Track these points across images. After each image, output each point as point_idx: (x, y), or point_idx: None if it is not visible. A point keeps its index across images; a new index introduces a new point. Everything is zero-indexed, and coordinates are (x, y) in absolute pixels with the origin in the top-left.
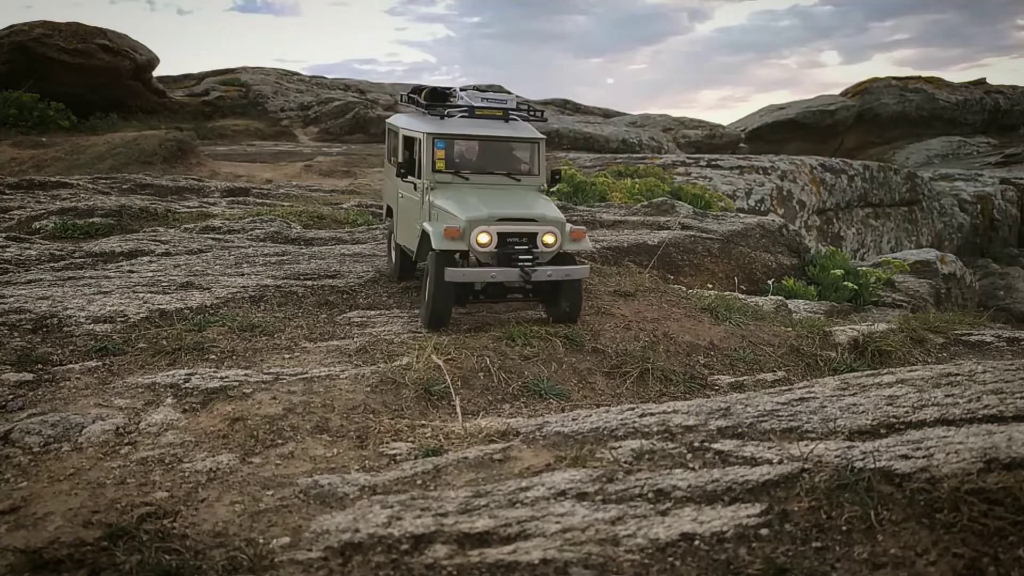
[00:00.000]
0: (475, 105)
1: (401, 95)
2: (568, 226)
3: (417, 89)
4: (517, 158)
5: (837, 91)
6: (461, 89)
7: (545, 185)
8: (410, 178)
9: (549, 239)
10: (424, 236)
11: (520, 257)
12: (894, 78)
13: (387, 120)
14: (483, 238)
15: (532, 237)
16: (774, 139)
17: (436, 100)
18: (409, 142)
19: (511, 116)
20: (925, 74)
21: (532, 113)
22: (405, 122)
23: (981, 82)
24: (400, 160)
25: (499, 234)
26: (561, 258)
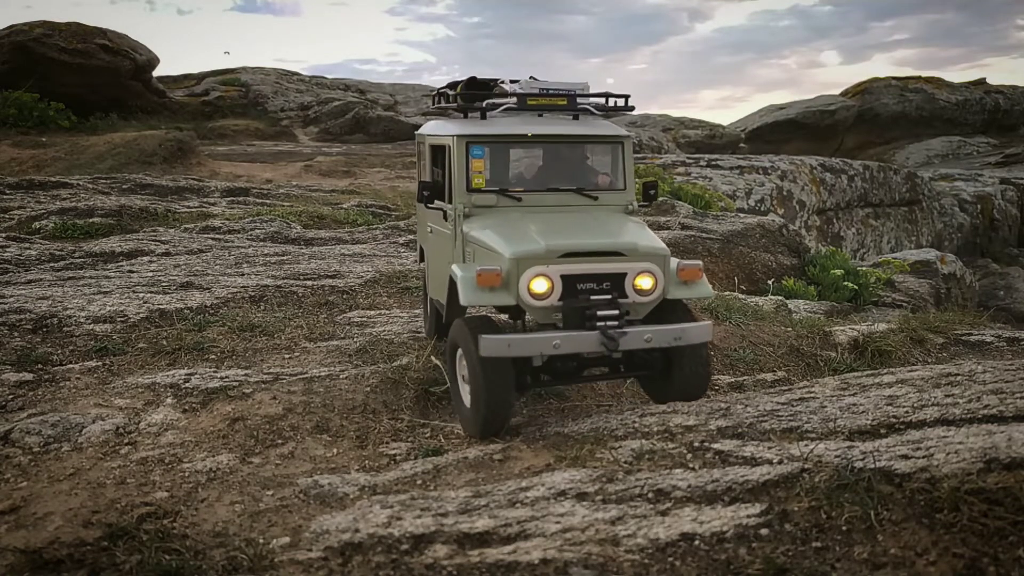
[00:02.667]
0: (527, 93)
1: (434, 95)
2: (674, 261)
3: (452, 85)
4: (591, 167)
5: (837, 91)
6: (512, 81)
7: (635, 204)
8: (437, 203)
9: (644, 282)
10: (452, 286)
11: (600, 313)
12: (894, 78)
13: (417, 132)
14: (540, 285)
15: (619, 280)
16: (774, 139)
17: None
18: (437, 153)
19: (581, 106)
20: (925, 74)
21: (611, 102)
22: (433, 128)
23: (981, 82)
24: (425, 179)
25: (565, 278)
26: (667, 310)
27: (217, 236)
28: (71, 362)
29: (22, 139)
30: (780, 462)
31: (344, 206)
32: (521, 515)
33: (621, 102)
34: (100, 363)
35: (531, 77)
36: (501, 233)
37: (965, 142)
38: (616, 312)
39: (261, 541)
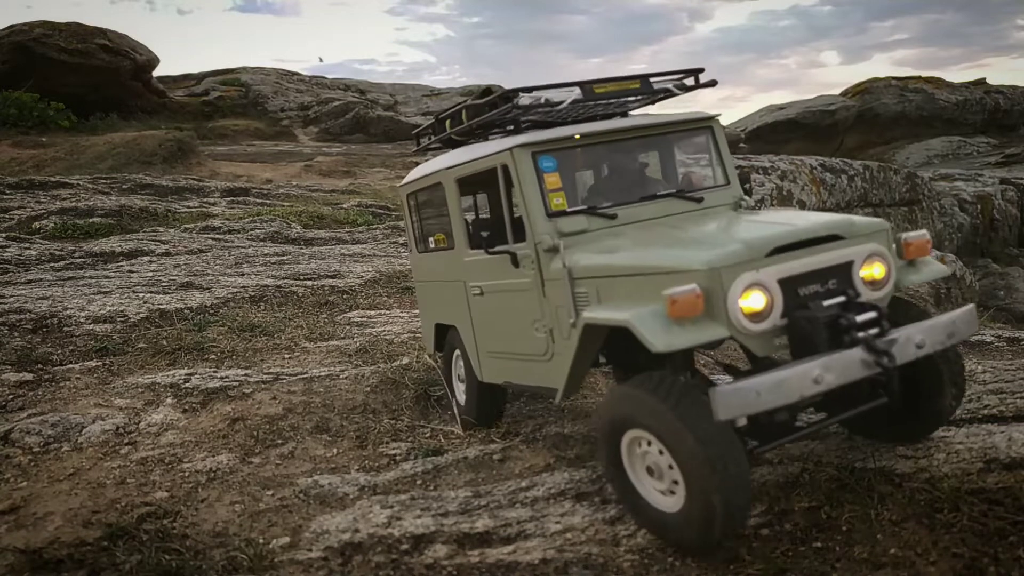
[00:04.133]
0: (591, 81)
1: (433, 124)
2: (900, 236)
3: (440, 121)
4: (679, 164)
5: (837, 91)
6: (523, 91)
7: (748, 199)
8: (501, 247)
9: (876, 269)
10: (588, 333)
11: (859, 320)
12: (894, 78)
13: (401, 185)
14: (756, 300)
15: (845, 272)
16: (774, 139)
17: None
18: (480, 183)
19: (660, 88)
20: (925, 74)
21: (683, 79)
22: (451, 159)
23: (981, 82)
24: (457, 224)
25: (784, 283)
26: (901, 305)
27: (217, 236)
28: (71, 362)
29: (22, 139)
30: (780, 462)
31: (344, 206)
32: (521, 515)
33: (691, 81)
34: (100, 363)
35: (521, 92)
36: (655, 245)
37: (965, 142)
38: (875, 315)
39: (261, 541)
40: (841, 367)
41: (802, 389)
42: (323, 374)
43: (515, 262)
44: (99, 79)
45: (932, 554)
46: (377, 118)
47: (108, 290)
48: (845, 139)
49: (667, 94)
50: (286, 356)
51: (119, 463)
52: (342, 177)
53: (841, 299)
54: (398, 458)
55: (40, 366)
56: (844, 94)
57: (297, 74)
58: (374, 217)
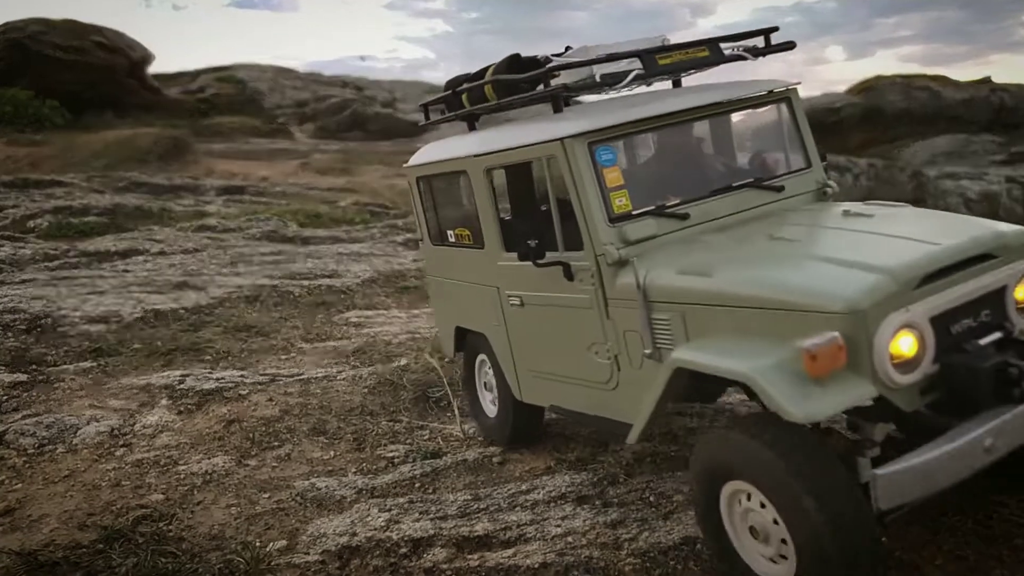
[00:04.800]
0: (652, 50)
1: (428, 106)
2: None
3: (454, 84)
4: (750, 145)
5: (842, 88)
6: (556, 55)
7: (833, 185)
8: (552, 255)
9: None
10: (677, 375)
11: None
12: (899, 76)
13: (409, 163)
14: (906, 344)
15: (998, 300)
16: None
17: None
18: (518, 178)
19: (732, 54)
20: (930, 72)
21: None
22: (479, 143)
23: (986, 80)
24: (489, 222)
25: (936, 321)
26: None
27: (212, 235)
28: (65, 363)
29: (17, 137)
30: None
31: (341, 204)
32: (521, 518)
33: (761, 42)
34: (95, 364)
35: (567, 48)
36: (762, 263)
37: (970, 140)
38: None
39: (258, 544)
40: (1013, 430)
41: (973, 462)
42: (320, 375)
43: (569, 274)
44: (94, 76)
45: (937, 557)
46: (375, 115)
47: (103, 290)
48: (850, 137)
49: (738, 61)
50: (282, 357)
51: (114, 465)
52: (339, 175)
53: (997, 335)
54: (396, 460)
55: (34, 367)
56: (849, 91)
57: (293, 71)
58: (372, 216)
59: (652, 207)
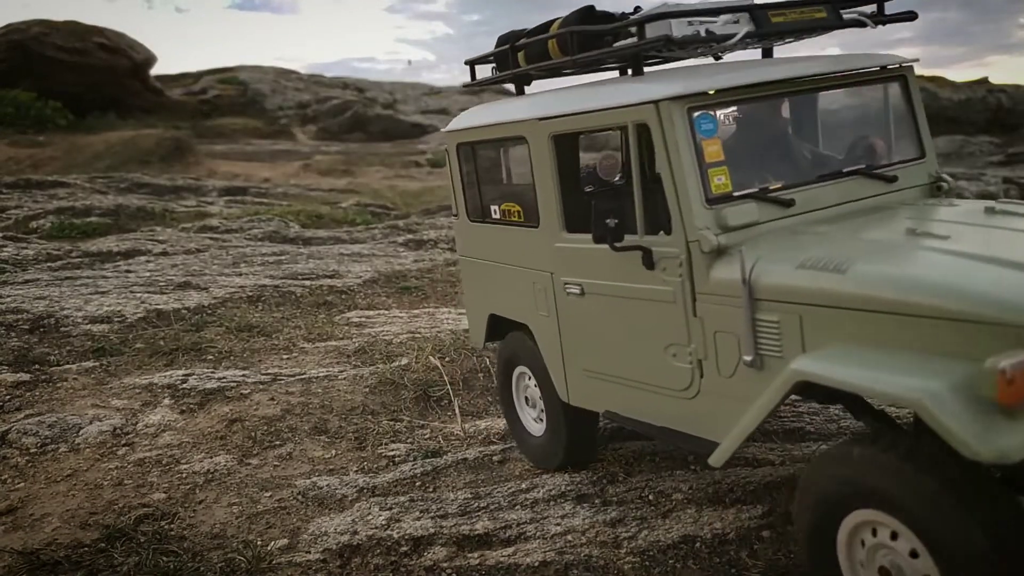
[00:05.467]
0: (765, 5)
1: (475, 63)
2: None
3: (509, 39)
4: (866, 127)
5: None
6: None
7: (949, 179)
8: (632, 239)
9: None
10: (794, 387)
11: None
12: None
13: (449, 127)
14: None
15: None
16: None
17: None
18: (563, 150)
19: (843, 20)
20: (928, 73)
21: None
22: (544, 105)
23: (983, 81)
24: (550, 196)
25: None
26: None
27: (215, 235)
28: (68, 362)
29: (19, 138)
30: (782, 463)
31: (343, 205)
32: (521, 517)
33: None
34: (97, 363)
35: (637, 8)
36: (913, 261)
37: (968, 141)
38: None
39: (259, 543)
40: None
41: None
42: (321, 375)
43: (649, 262)
44: (97, 78)
45: None
46: (376, 116)
47: (105, 290)
48: None
49: (856, 27)
50: (284, 356)
51: (116, 464)
52: (340, 176)
53: None
54: (397, 459)
55: (37, 366)
56: None
57: (295, 72)
58: (373, 216)
59: (754, 189)
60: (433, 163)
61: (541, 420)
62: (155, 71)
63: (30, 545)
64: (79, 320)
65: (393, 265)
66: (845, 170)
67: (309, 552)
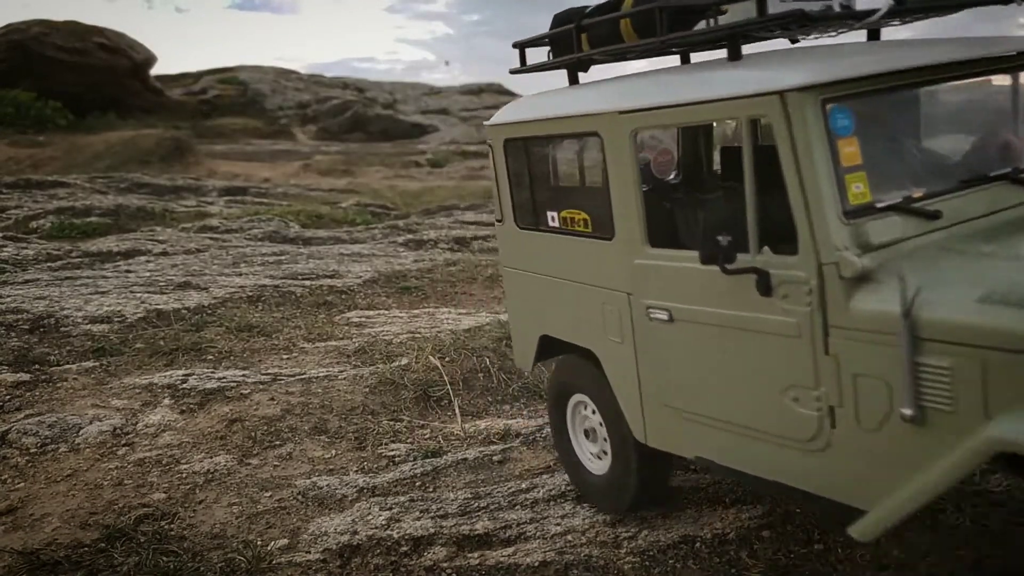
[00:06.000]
0: None
1: (526, 45)
2: None
3: (568, 18)
4: (998, 121)
5: None
6: None
7: None
8: (745, 260)
9: None
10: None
11: None
12: None
13: (493, 121)
14: None
15: None
16: None
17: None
18: (700, 140)
19: None
20: None
21: None
22: (624, 94)
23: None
24: (629, 204)
25: None
26: None
27: (215, 235)
28: (68, 362)
29: (19, 138)
30: None
31: (343, 205)
32: (521, 517)
33: None
34: (97, 363)
35: None
36: None
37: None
38: None
39: (259, 543)
40: None
41: None
42: (321, 375)
43: (765, 287)
44: (97, 78)
45: (934, 556)
46: (376, 116)
47: (105, 290)
48: None
49: (1004, 4)
50: (284, 356)
51: (116, 464)
52: (340, 176)
53: None
54: (397, 459)
55: (37, 366)
56: None
57: (295, 72)
58: (373, 216)
59: (898, 199)
60: (433, 163)
61: (603, 456)
62: (155, 71)
63: (30, 545)
64: (79, 320)
65: (393, 265)
66: (992, 174)
67: (309, 552)
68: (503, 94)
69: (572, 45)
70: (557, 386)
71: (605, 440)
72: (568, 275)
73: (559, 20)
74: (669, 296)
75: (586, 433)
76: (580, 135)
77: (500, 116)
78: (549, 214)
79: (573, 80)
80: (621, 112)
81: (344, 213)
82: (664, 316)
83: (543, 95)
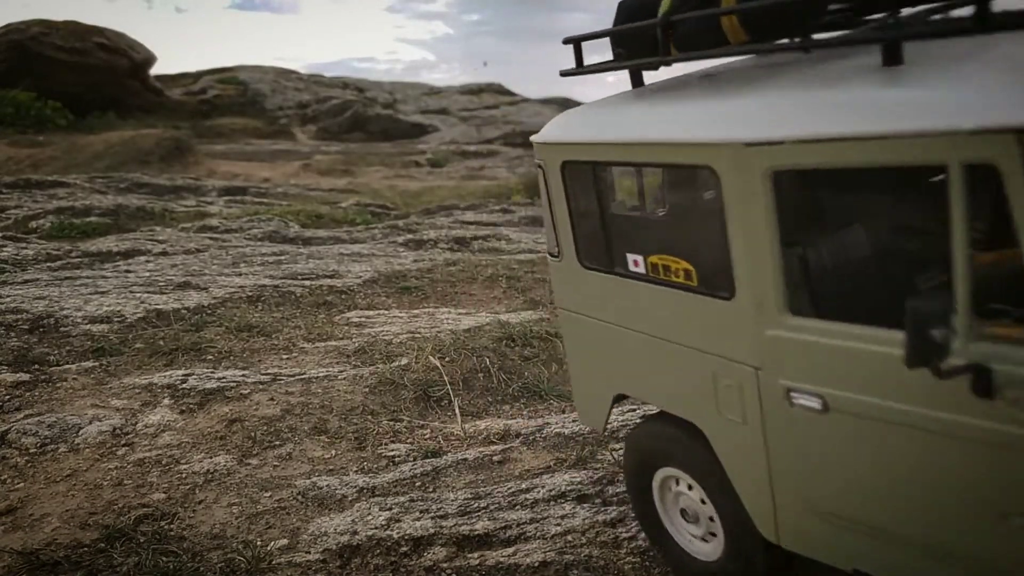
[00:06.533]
0: None
1: (578, 42)
2: None
3: (637, 8)
4: None
5: None
6: None
7: None
8: (959, 362)
9: None
10: None
11: None
12: None
13: (545, 137)
14: None
15: None
16: None
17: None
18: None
19: None
20: None
21: None
22: (750, 121)
23: None
24: (766, 264)
25: None
26: None
27: (214, 235)
28: (68, 362)
29: (19, 138)
30: None
31: (342, 205)
32: (521, 517)
33: None
34: (97, 363)
35: None
36: None
37: None
38: None
39: (259, 543)
40: None
41: None
42: (321, 375)
43: (984, 387)
44: (96, 78)
45: None
46: (376, 116)
47: (105, 290)
48: None
49: None
50: (284, 356)
51: (116, 464)
52: (340, 176)
53: None
54: (397, 460)
55: (37, 366)
56: None
57: (295, 72)
58: (373, 216)
59: None
60: (433, 163)
61: (711, 540)
62: (155, 71)
63: (30, 545)
64: (79, 320)
65: (393, 265)
66: None
67: (309, 552)
68: (503, 94)
69: (646, 43)
70: (639, 455)
71: (712, 520)
72: (660, 332)
73: (626, 11)
74: (823, 380)
75: (685, 513)
76: (681, 168)
77: (555, 131)
78: (631, 257)
79: (638, 82)
80: (749, 144)
81: (344, 213)
82: (814, 404)
83: (612, 107)
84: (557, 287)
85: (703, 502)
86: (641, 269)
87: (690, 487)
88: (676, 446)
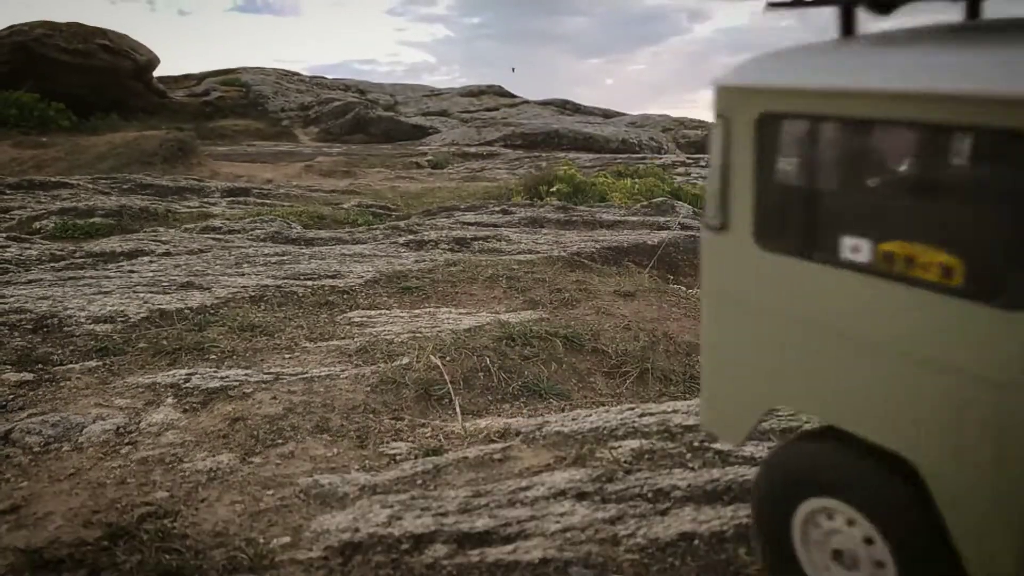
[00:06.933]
0: None
1: None
2: None
3: None
4: None
5: None
6: None
7: None
8: None
9: None
10: None
11: None
12: None
13: (735, 80)
14: None
15: None
16: None
17: None
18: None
19: None
20: None
21: None
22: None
23: None
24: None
25: None
26: None
27: (217, 236)
28: (71, 362)
29: (23, 139)
30: None
31: (344, 206)
32: (521, 515)
33: None
34: (100, 363)
35: None
36: None
37: None
38: None
39: (261, 541)
40: None
41: None
42: (323, 374)
43: None
44: (100, 79)
45: None
46: (377, 118)
47: (108, 290)
48: None
49: None
50: (286, 356)
51: (119, 463)
52: (342, 177)
53: None
54: (398, 458)
55: (40, 366)
56: None
57: (297, 74)
58: (374, 217)
59: None
60: (434, 164)
61: None
62: (158, 73)
63: (33, 543)
64: (82, 320)
65: (394, 265)
66: None
67: (311, 549)
68: (503, 96)
69: None
70: (782, 479)
71: (882, 567)
72: (877, 339)
73: None
74: None
75: (837, 556)
76: (965, 130)
77: (752, 75)
78: (848, 241)
79: (848, 29)
80: None
81: (346, 214)
82: None
83: (832, 52)
84: (710, 266)
85: (868, 541)
86: (863, 258)
87: (851, 523)
88: (849, 475)
